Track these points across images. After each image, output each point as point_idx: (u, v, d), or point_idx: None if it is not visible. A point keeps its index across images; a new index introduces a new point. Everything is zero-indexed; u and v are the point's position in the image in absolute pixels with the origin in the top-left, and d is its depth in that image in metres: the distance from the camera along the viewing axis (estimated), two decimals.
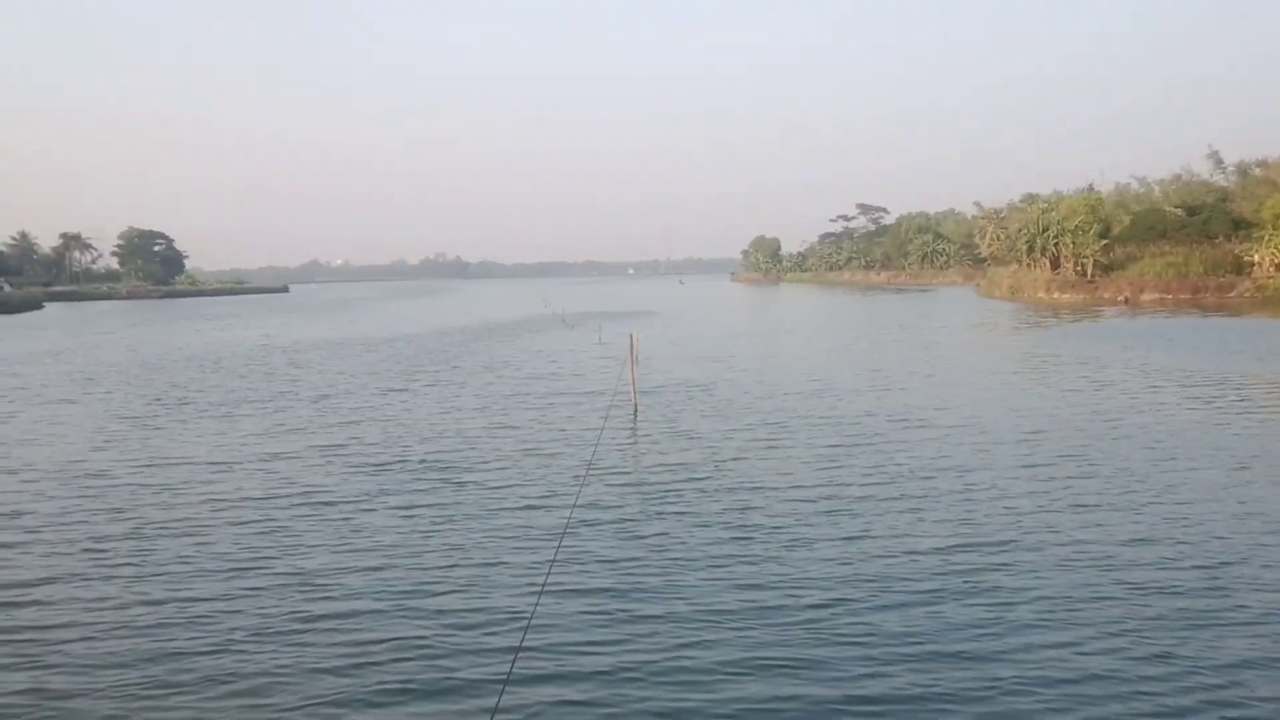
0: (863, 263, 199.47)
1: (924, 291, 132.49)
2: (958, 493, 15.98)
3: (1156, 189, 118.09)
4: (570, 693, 8.76)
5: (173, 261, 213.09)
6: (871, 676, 9.02)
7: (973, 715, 8.29)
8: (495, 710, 7.93)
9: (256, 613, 10.97)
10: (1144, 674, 8.98)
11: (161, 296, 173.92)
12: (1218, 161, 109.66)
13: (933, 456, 18.92)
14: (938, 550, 12.82)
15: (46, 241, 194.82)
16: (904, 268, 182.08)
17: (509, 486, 16.95)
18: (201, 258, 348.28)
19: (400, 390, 31.26)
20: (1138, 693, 8.61)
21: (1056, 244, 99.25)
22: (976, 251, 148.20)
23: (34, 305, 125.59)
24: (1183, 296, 79.32)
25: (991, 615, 10.47)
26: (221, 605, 11.24)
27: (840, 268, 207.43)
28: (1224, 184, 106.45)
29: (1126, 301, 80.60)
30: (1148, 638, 9.81)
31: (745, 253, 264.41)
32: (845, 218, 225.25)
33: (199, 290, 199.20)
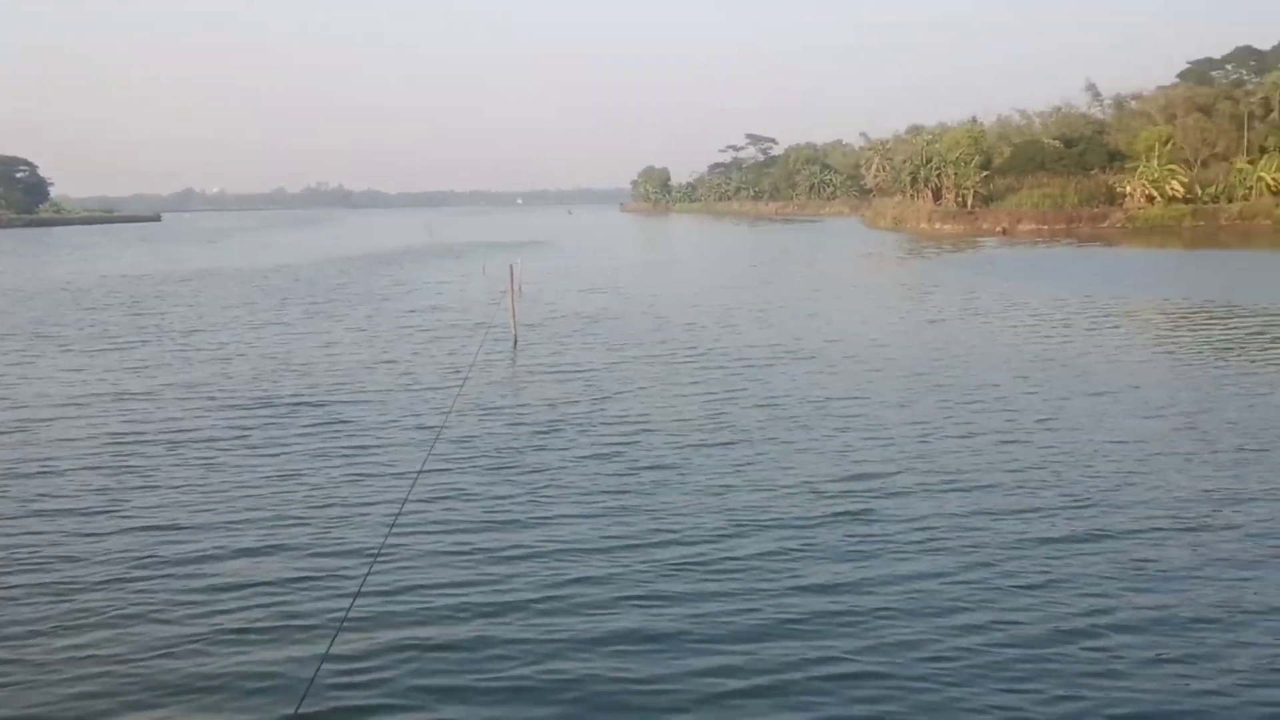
0: (751, 193, 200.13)
1: (811, 222, 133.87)
2: (836, 425, 15.99)
3: (1037, 121, 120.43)
4: (407, 635, 8.47)
5: (37, 188, 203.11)
6: (741, 612, 8.88)
7: (842, 646, 8.21)
8: (325, 657, 7.56)
9: (102, 558, 10.41)
10: (1012, 603, 9.03)
11: (25, 225, 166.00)
12: (1095, 94, 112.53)
13: (815, 389, 18.91)
14: (809, 484, 12.76)
15: None
16: (792, 198, 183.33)
17: (376, 423, 16.47)
18: (67, 185, 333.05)
19: (273, 325, 30.28)
20: (1000, 621, 8.64)
21: (939, 175, 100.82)
22: (863, 183, 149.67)
23: None
24: (1058, 227, 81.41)
25: (862, 546, 10.45)
26: (63, 549, 10.64)
27: (729, 198, 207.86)
28: (1101, 116, 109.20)
29: (1004, 232, 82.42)
30: (1011, 564, 9.89)
31: (634, 183, 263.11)
32: (734, 148, 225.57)
33: (65, 219, 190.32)
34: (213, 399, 18.68)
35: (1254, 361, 21.30)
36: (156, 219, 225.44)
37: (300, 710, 7.15)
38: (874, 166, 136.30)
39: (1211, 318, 28.41)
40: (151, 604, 9.22)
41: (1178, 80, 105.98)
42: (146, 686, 7.75)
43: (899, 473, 13.18)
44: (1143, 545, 10.38)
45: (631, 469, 13.54)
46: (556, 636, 8.44)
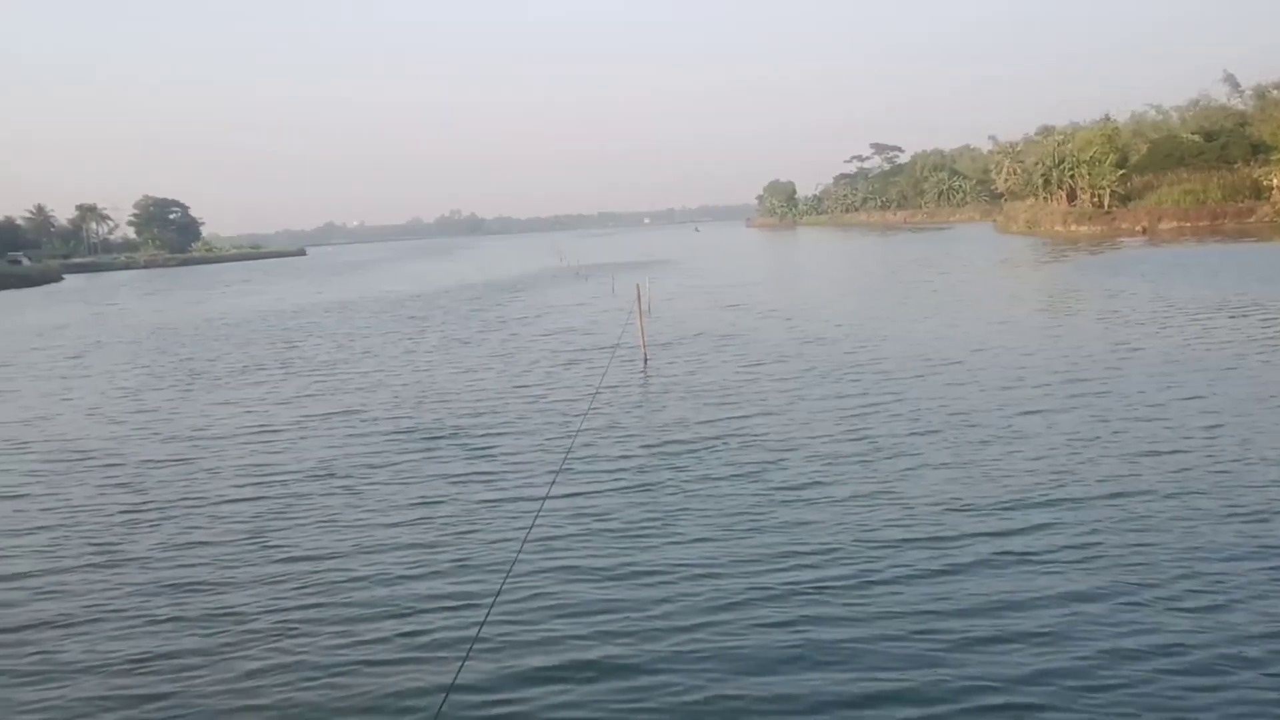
0: (879, 203, 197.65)
1: (941, 230, 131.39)
2: (980, 437, 15.52)
3: (1174, 116, 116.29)
4: (536, 662, 8.53)
5: (189, 229, 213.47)
6: (883, 638, 8.66)
7: (993, 675, 7.91)
8: (451, 687, 7.69)
9: (247, 588, 10.78)
10: (1179, 625, 8.62)
11: (179, 264, 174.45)
12: (1234, 85, 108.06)
13: (957, 401, 18.40)
14: (953, 500, 12.41)
15: (63, 214, 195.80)
16: (920, 206, 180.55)
17: (509, 448, 16.65)
18: (217, 224, 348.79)
19: (411, 353, 31.10)
20: (1168, 645, 8.23)
21: (1073, 176, 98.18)
22: (993, 187, 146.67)
23: (53, 278, 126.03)
24: (1201, 224, 78.37)
25: (1012, 566, 10.06)
26: (214, 576, 11.06)
27: (856, 209, 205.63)
28: (1241, 108, 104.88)
29: (1144, 231, 79.76)
30: (1178, 584, 9.45)
31: (760, 198, 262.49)
32: (860, 158, 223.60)
33: (216, 257, 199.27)
34: (354, 429, 19.22)
35: None
36: (302, 253, 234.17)
37: None
38: (1004, 170, 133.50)
39: None
40: (289, 632, 9.50)
41: None
42: (275, 714, 8.01)
43: (1050, 486, 12.70)
44: None
45: (768, 488, 13.39)
46: (692, 661, 8.37)
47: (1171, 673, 7.74)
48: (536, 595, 9.99)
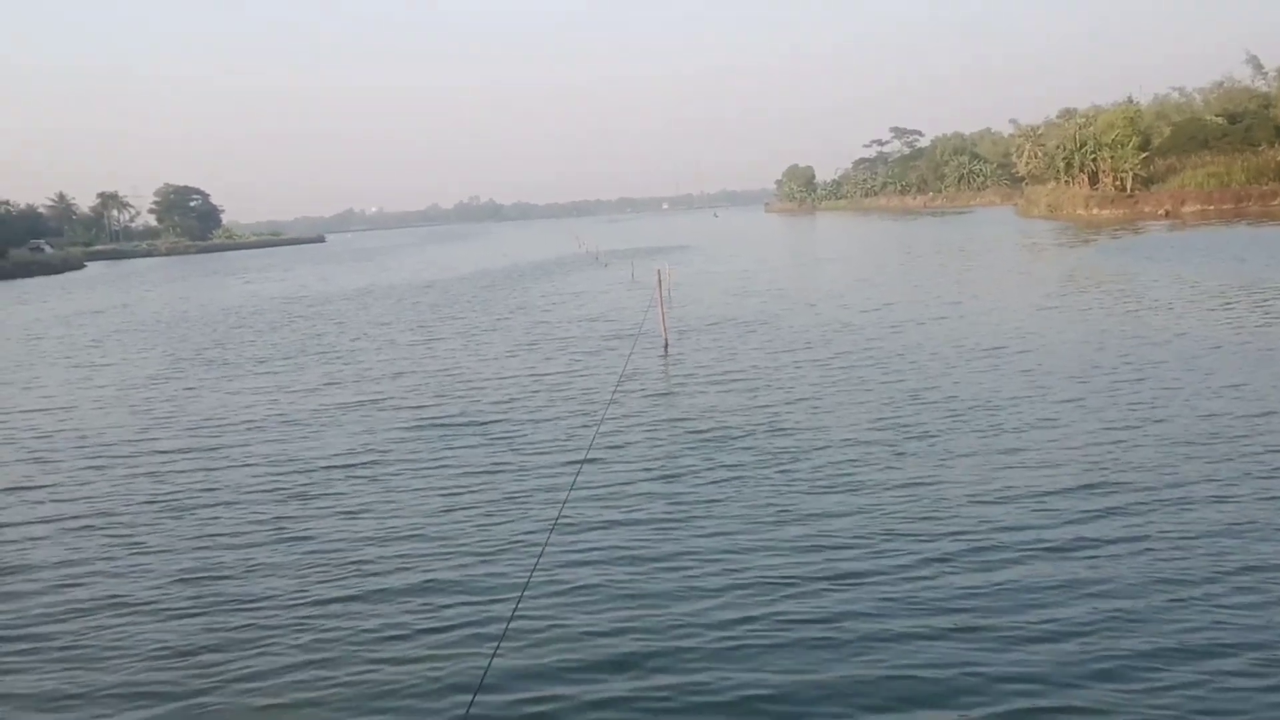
0: (898, 187, 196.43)
1: (962, 214, 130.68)
2: (1033, 430, 15.22)
3: (1198, 98, 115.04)
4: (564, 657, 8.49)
5: (209, 216, 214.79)
6: (914, 636, 8.55)
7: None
8: (502, 637, 7.83)
9: (262, 574, 10.79)
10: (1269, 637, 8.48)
11: (199, 251, 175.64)
12: (1258, 67, 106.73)
13: (992, 391, 18.10)
14: (1006, 499, 12.11)
15: (84, 202, 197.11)
16: (940, 190, 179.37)
17: (529, 438, 16.57)
18: (237, 211, 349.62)
19: (431, 341, 31.11)
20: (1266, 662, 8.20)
21: (1095, 159, 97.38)
22: (1014, 171, 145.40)
23: (75, 265, 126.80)
24: (1225, 207, 77.52)
25: (1063, 572, 9.62)
26: (249, 576, 11.07)
27: (876, 193, 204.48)
28: (1266, 90, 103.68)
29: (1167, 215, 79.02)
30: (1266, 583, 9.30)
31: (779, 183, 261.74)
32: (879, 142, 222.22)
33: (236, 244, 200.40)
34: (376, 418, 19.16)
35: None
36: (321, 240, 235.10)
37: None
38: (1025, 153, 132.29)
39: None
40: (314, 624, 9.49)
41: None
42: (300, 707, 8.01)
43: (1088, 477, 12.42)
44: None
45: (795, 478, 13.26)
46: (723, 654, 8.34)
47: (1222, 674, 7.50)
48: (565, 587, 9.93)
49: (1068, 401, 16.80)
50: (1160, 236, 58.09)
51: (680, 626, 8.89)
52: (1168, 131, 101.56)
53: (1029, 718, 7.14)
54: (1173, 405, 16.03)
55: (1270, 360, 19.26)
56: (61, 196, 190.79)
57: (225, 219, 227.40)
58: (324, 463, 15.80)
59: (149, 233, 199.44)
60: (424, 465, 15.26)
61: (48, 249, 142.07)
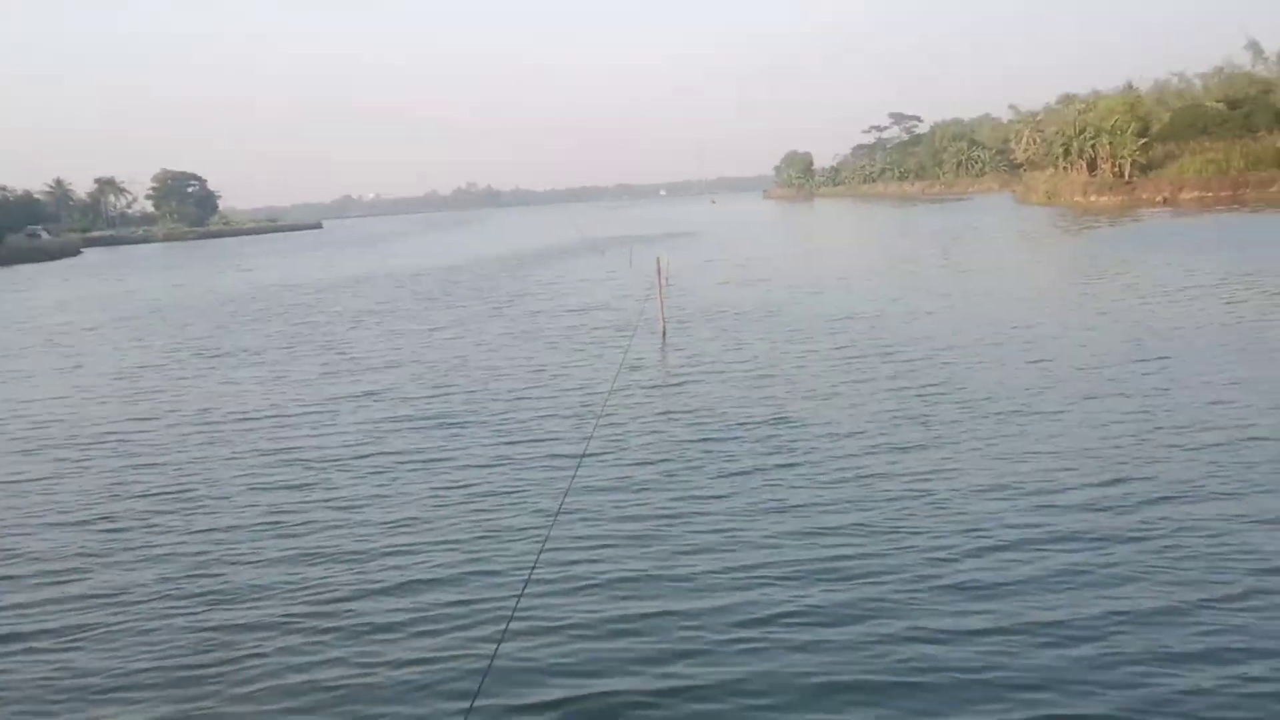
0: (897, 174, 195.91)
1: (960, 200, 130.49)
2: (1041, 424, 15.11)
3: (1198, 84, 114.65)
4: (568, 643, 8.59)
5: (206, 202, 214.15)
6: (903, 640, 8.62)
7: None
8: (502, 638, 7.85)
9: (259, 564, 10.82)
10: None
11: (197, 238, 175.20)
12: (1258, 52, 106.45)
13: (1001, 384, 17.92)
14: (1014, 495, 12.01)
15: (82, 187, 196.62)
16: (939, 177, 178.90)
17: (529, 429, 16.54)
18: (235, 197, 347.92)
19: (429, 330, 31.12)
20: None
21: (1094, 146, 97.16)
22: (1012, 157, 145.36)
23: (72, 251, 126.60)
24: (1223, 194, 77.28)
25: (1076, 574, 9.46)
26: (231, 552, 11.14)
27: (874, 180, 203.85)
28: (1266, 75, 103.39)
29: (1165, 202, 78.93)
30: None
31: (777, 169, 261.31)
32: (878, 128, 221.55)
33: (234, 230, 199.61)
34: (375, 408, 19.15)
35: None
36: (318, 226, 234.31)
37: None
38: (1024, 139, 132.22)
39: None
40: (318, 613, 9.54)
41: None
42: (305, 697, 8.06)
43: (1099, 474, 12.22)
44: None
45: (797, 469, 13.28)
46: (723, 645, 8.40)
47: (1235, 679, 7.40)
48: (567, 581, 9.96)
49: (1075, 392, 16.66)
50: (1160, 224, 58.03)
51: (684, 621, 8.91)
52: (1167, 118, 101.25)
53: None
54: (1187, 403, 15.55)
55: None
56: (58, 182, 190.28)
57: (222, 205, 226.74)
58: (322, 455, 15.79)
59: (146, 218, 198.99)
60: (422, 457, 15.26)
61: (44, 235, 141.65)
